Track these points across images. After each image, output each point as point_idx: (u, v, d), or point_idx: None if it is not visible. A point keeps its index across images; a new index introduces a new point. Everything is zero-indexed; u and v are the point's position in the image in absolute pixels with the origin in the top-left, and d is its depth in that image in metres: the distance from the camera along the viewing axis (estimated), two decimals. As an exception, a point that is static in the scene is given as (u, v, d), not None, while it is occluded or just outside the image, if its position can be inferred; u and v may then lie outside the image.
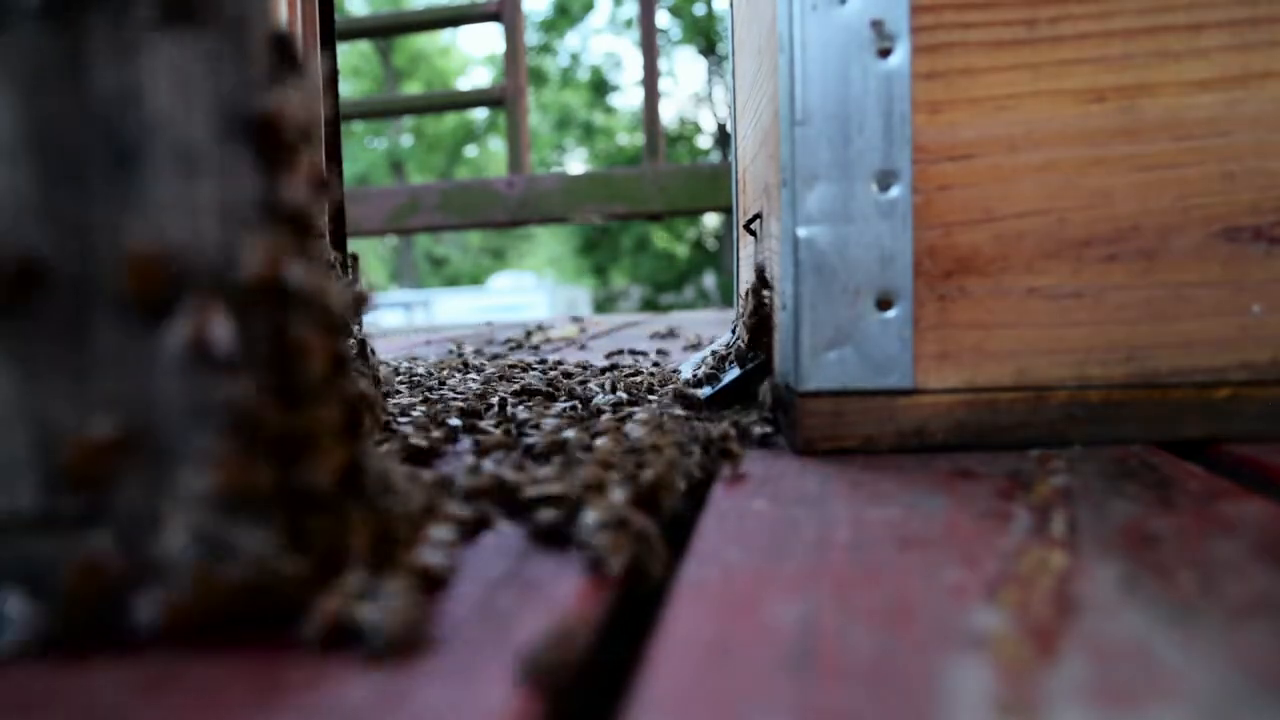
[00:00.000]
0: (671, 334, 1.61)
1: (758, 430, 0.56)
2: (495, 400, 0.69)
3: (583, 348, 1.41)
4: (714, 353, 0.75)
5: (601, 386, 0.74)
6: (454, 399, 0.70)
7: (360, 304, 0.31)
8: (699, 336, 1.49)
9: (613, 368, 0.96)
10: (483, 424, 0.61)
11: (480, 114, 13.50)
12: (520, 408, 0.65)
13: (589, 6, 13.68)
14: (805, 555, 0.34)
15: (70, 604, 0.28)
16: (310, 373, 0.29)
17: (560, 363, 1.00)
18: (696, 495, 0.44)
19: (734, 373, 0.64)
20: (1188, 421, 0.51)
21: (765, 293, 0.62)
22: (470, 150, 15.07)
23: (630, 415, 0.57)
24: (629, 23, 13.62)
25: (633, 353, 1.22)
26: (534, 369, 0.94)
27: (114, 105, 0.28)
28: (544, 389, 0.73)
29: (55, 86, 0.28)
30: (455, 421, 0.61)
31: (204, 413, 0.28)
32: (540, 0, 13.57)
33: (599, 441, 0.49)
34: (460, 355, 1.27)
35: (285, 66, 0.29)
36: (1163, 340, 0.51)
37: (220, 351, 0.28)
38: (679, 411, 0.59)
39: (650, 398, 0.68)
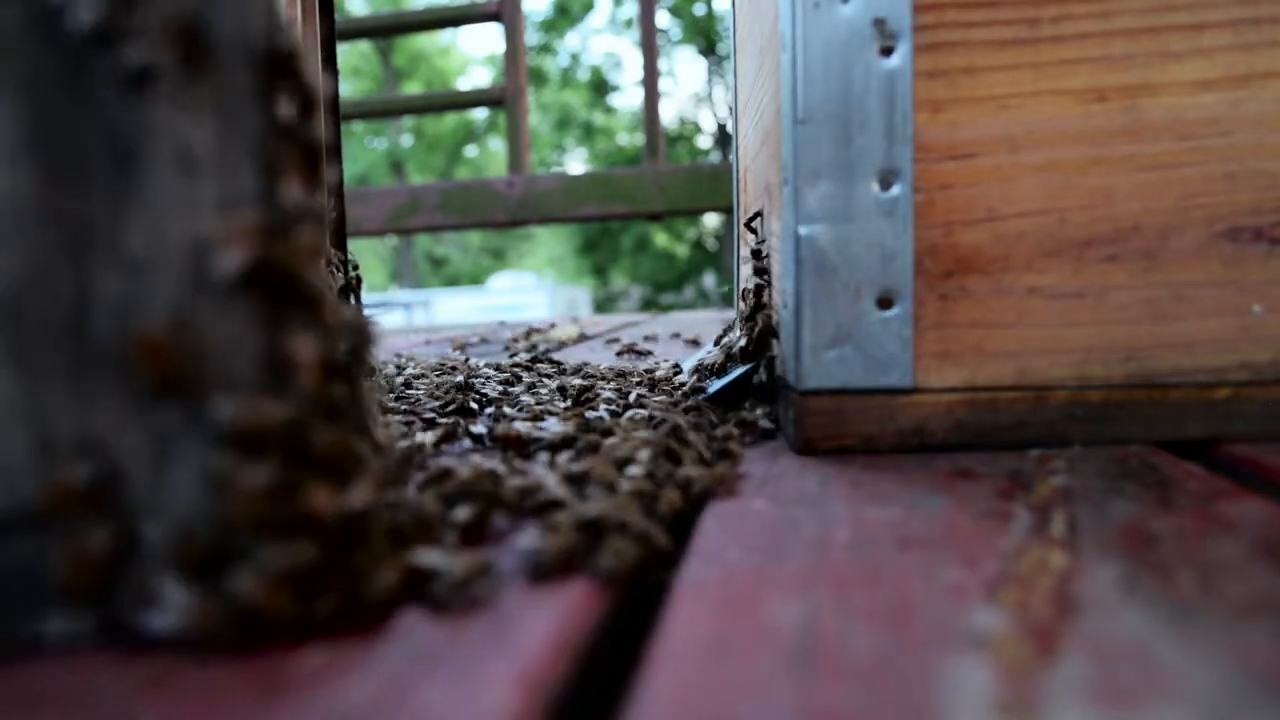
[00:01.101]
0: (677, 336, 1.61)
1: (762, 424, 0.57)
2: (495, 397, 0.69)
3: (584, 337, 1.41)
4: (714, 351, 0.74)
5: (604, 385, 0.74)
6: (453, 397, 0.70)
7: (362, 334, 0.31)
8: (699, 336, 1.49)
9: (619, 368, 0.96)
10: (478, 424, 0.61)
11: (480, 114, 13.51)
12: (521, 407, 0.65)
13: (589, 6, 13.68)
14: (805, 555, 0.34)
15: (68, 597, 0.28)
16: (308, 378, 0.29)
17: (561, 362, 1.00)
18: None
19: (735, 372, 0.64)
20: (1188, 421, 0.51)
21: (765, 292, 0.62)
22: (470, 150, 15.08)
23: (634, 414, 0.57)
24: (629, 23, 13.62)
25: (635, 352, 1.22)
26: (536, 367, 0.94)
27: (114, 105, 0.28)
28: (547, 386, 0.73)
29: (55, 86, 0.28)
30: (445, 421, 0.61)
31: (204, 416, 0.28)
32: (540, 0, 13.57)
33: (606, 441, 0.49)
34: (463, 355, 1.27)
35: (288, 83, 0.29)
36: (1163, 340, 0.51)
37: (223, 271, 0.28)
38: (680, 413, 0.59)
39: (654, 396, 0.68)
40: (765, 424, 0.57)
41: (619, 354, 1.21)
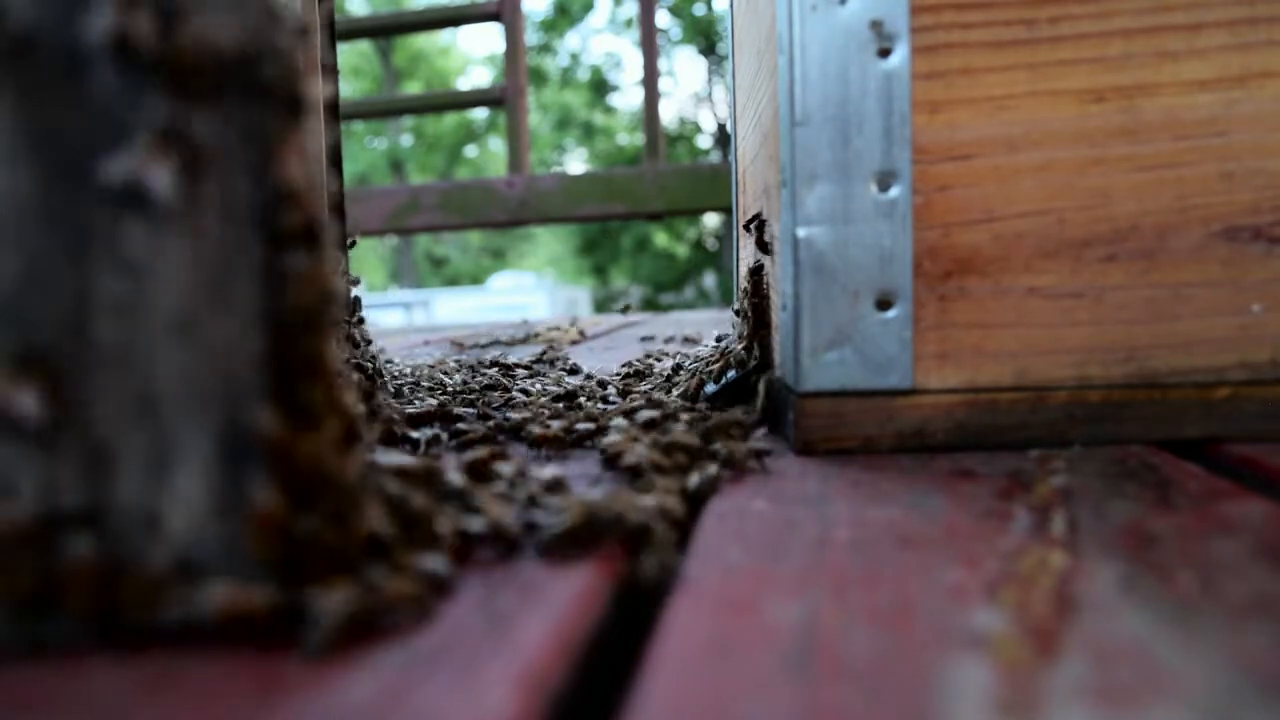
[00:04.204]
0: (688, 338, 1.61)
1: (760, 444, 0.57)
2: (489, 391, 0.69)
3: (581, 336, 1.41)
4: (714, 352, 0.75)
5: (605, 386, 0.74)
6: (447, 397, 0.70)
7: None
8: (699, 336, 1.49)
9: (625, 368, 0.96)
10: (474, 423, 0.61)
11: (480, 114, 13.51)
12: (516, 408, 0.65)
13: (589, 6, 13.69)
14: (805, 555, 0.34)
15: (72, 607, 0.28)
16: (315, 388, 0.29)
17: (562, 361, 1.00)
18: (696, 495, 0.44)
19: (733, 373, 0.64)
20: (1188, 421, 0.51)
21: (763, 293, 0.62)
22: (470, 150, 15.09)
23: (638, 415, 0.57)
24: (629, 23, 13.62)
25: (636, 360, 1.22)
26: (542, 367, 0.94)
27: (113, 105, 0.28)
28: (546, 385, 0.73)
29: (54, 85, 0.28)
30: (428, 425, 0.61)
31: (206, 420, 0.29)
32: (540, 0, 13.58)
33: (609, 439, 0.49)
34: (461, 356, 1.27)
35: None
36: (1162, 340, 0.51)
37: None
38: (683, 414, 0.59)
39: (658, 395, 0.68)
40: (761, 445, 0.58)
41: (630, 364, 1.21)
